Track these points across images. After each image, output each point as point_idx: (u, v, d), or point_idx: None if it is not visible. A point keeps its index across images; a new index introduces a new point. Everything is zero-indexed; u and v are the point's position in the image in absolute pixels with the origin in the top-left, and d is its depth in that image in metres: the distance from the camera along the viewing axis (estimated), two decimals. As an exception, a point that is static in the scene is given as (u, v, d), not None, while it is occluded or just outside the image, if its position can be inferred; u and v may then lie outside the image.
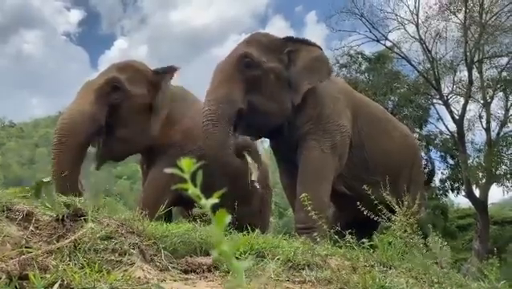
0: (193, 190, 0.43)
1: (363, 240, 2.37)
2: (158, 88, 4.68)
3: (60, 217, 1.92)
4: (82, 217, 1.97)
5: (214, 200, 0.44)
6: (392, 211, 2.70)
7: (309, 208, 2.38)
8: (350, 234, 2.34)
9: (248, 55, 4.03)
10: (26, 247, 1.60)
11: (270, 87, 4.07)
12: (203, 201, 0.43)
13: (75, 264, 1.60)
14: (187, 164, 0.44)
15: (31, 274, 1.38)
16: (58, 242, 1.75)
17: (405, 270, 2.29)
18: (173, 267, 1.97)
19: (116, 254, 1.79)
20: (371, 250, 2.45)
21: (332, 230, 2.56)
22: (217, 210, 0.45)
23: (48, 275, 1.44)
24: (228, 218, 0.42)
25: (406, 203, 2.70)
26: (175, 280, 1.83)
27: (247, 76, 3.98)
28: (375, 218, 2.72)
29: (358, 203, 2.79)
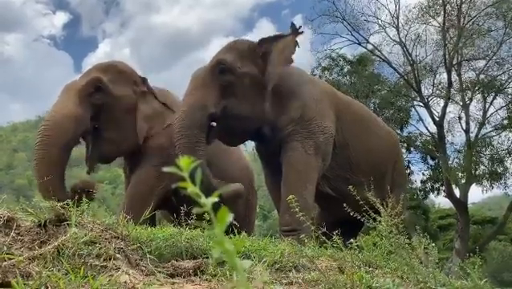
0: (192, 189, 0.42)
1: (351, 240, 2.38)
2: (146, 93, 4.67)
3: (42, 222, 1.88)
4: (65, 222, 1.94)
5: (215, 199, 0.43)
6: (376, 212, 2.72)
7: (296, 210, 2.38)
8: (336, 234, 2.35)
9: (222, 62, 4.11)
10: (7, 254, 1.56)
11: (244, 91, 4.12)
12: (203, 200, 0.42)
13: (59, 270, 1.57)
14: (185, 163, 0.42)
15: (14, 281, 1.35)
16: (40, 247, 1.71)
17: (391, 270, 2.31)
18: (159, 271, 1.94)
19: (101, 259, 1.76)
20: (358, 251, 2.46)
21: (319, 232, 2.56)
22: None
23: (31, 282, 1.40)
24: (230, 217, 0.41)
25: (390, 204, 2.72)
26: (161, 284, 1.80)
27: (221, 82, 4.05)
28: (361, 219, 2.73)
29: (343, 204, 2.79)
